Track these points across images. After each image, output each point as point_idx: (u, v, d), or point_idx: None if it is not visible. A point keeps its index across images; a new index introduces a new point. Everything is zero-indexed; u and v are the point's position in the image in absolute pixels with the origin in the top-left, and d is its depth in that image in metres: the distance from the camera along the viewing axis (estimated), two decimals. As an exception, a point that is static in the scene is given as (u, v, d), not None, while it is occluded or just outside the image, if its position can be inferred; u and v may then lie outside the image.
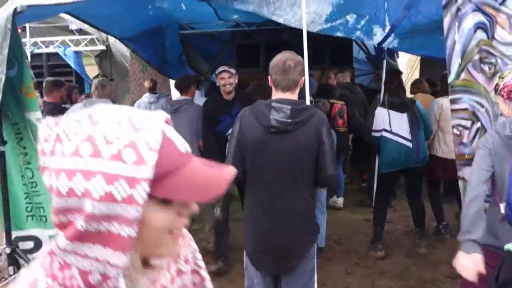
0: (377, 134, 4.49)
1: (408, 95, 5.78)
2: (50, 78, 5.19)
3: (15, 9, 2.63)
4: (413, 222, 4.62)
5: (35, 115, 2.98)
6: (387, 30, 3.63)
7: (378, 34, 3.71)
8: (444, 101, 4.48)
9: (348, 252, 4.58)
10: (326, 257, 4.39)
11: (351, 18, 3.53)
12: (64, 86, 4.93)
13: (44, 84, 4.86)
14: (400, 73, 4.83)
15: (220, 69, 4.15)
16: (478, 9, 2.66)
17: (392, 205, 5.40)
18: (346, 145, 5.83)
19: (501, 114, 2.52)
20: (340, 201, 5.92)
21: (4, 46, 2.63)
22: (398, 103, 4.39)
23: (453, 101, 2.81)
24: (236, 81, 4.19)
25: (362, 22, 3.56)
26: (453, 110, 2.83)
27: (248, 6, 3.85)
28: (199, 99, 5.61)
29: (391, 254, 4.47)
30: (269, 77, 2.46)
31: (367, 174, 6.60)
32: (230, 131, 2.81)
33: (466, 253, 2.07)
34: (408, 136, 4.31)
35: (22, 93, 2.97)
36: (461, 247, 2.12)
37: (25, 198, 3.13)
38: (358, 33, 3.70)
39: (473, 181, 2.23)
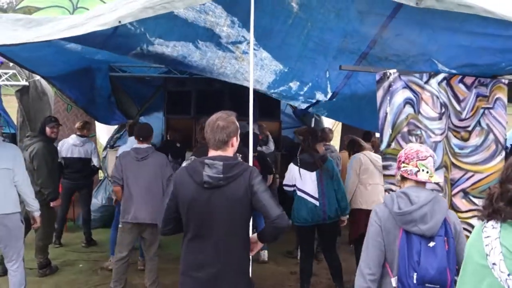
0: (289, 189, 4.65)
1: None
2: None
3: None
4: (331, 276, 4.72)
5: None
6: (329, 96, 3.84)
7: (321, 99, 3.90)
8: (361, 156, 4.80)
9: (275, 306, 4.59)
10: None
11: (294, 85, 3.69)
12: None
13: None
14: (313, 130, 5.02)
15: None
16: (406, 86, 2.96)
17: (319, 258, 5.51)
18: None
19: None
20: (264, 254, 5.81)
21: None
22: (308, 162, 4.55)
23: (384, 167, 3.04)
24: None
25: (305, 89, 3.74)
26: (385, 176, 3.06)
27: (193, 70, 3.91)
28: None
29: (316, 309, 4.55)
30: None
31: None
32: None
33: None
34: (316, 195, 4.47)
35: None
36: None
37: None
38: (301, 98, 3.86)
39: (371, 264, 2.25)
